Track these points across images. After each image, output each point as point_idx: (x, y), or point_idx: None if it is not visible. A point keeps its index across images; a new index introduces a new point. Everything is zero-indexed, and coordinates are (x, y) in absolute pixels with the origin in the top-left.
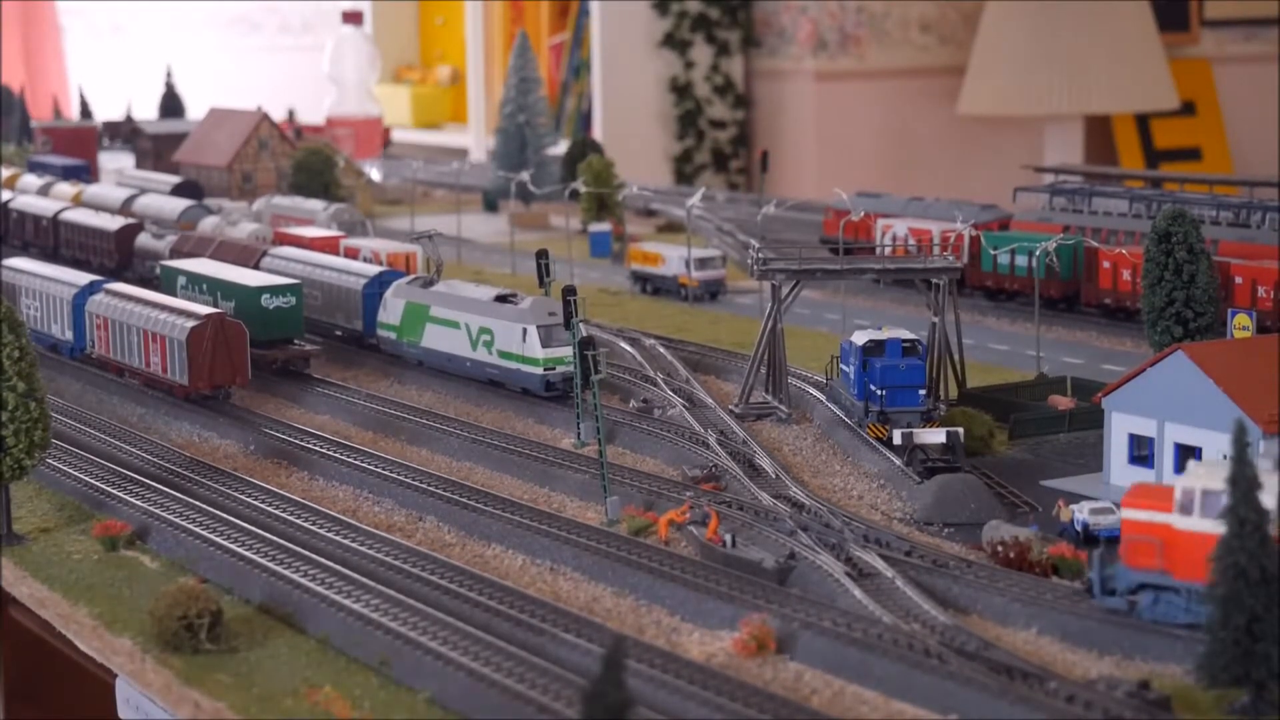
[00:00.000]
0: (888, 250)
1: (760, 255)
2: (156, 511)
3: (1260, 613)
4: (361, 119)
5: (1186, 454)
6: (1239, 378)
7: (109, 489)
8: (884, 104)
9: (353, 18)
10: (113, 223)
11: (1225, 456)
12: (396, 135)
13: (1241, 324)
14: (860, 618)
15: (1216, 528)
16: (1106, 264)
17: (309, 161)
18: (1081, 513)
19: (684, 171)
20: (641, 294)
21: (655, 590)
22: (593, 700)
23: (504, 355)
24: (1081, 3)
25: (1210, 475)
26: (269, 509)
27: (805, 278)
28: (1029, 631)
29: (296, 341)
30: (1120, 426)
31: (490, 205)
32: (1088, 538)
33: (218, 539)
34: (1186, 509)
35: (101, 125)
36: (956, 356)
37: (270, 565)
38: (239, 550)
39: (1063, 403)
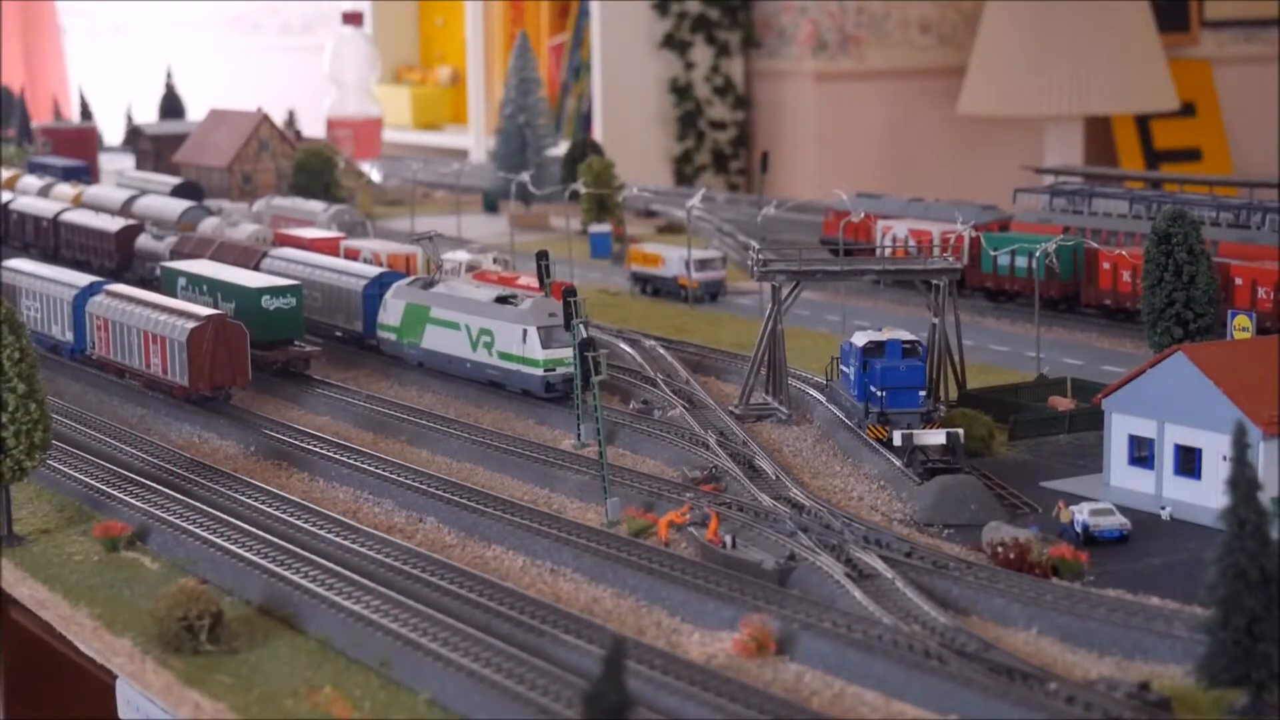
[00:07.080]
0: (888, 251)
1: (760, 256)
2: (157, 512)
3: (1260, 613)
4: (361, 120)
5: (1186, 455)
6: (1239, 379)
7: (109, 490)
8: (884, 104)
9: (353, 18)
10: (113, 224)
11: (1225, 458)
12: (397, 136)
13: (1241, 325)
14: (860, 619)
15: None
16: (1106, 265)
17: (309, 162)
18: (1081, 514)
19: (684, 172)
20: (641, 295)
21: (655, 591)
22: (593, 701)
23: (504, 356)
24: (1081, 3)
25: None
26: (269, 510)
27: (805, 279)
28: (1029, 632)
29: (297, 343)
30: (1120, 428)
31: (490, 206)
32: (1088, 539)
33: (218, 540)
34: None
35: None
36: (956, 357)
37: (270, 566)
38: (239, 551)
39: (1063, 404)
